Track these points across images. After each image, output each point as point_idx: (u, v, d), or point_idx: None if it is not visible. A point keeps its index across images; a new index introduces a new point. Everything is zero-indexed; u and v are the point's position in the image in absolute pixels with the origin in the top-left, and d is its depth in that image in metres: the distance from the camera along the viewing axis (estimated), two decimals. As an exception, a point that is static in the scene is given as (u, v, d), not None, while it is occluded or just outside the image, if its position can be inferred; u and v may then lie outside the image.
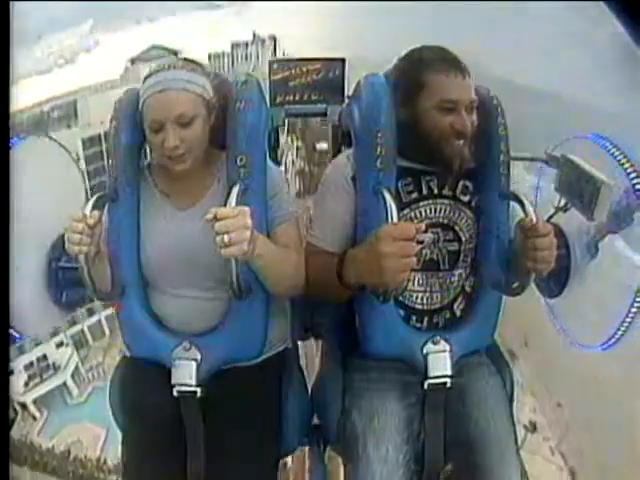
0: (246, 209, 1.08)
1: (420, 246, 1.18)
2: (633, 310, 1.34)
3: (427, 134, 1.27)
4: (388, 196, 1.15)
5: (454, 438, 1.31)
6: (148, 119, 1.22)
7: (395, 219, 1.10)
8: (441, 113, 1.26)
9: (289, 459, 1.51)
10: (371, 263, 1.07)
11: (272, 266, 1.22)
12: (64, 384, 22.64)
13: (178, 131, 1.20)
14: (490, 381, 1.41)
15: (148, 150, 1.36)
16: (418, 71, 1.28)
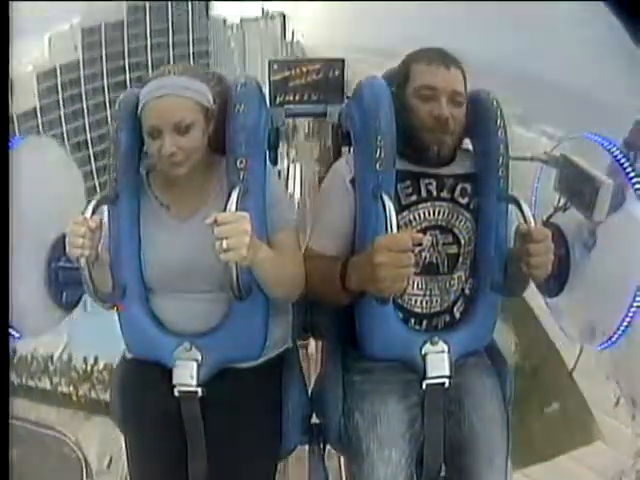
0: (246, 215, 1.09)
1: (419, 248, 1.18)
2: (632, 309, 1.34)
3: (409, 123, 1.30)
4: (387, 200, 1.15)
5: (448, 438, 1.32)
6: (146, 125, 1.22)
7: (394, 225, 1.10)
8: (421, 100, 1.29)
9: (289, 459, 1.51)
10: (369, 272, 1.08)
11: (271, 272, 1.23)
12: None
13: (175, 138, 1.20)
14: (488, 382, 1.41)
15: (147, 157, 1.37)
16: (407, 64, 1.35)
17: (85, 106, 31.70)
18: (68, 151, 1.65)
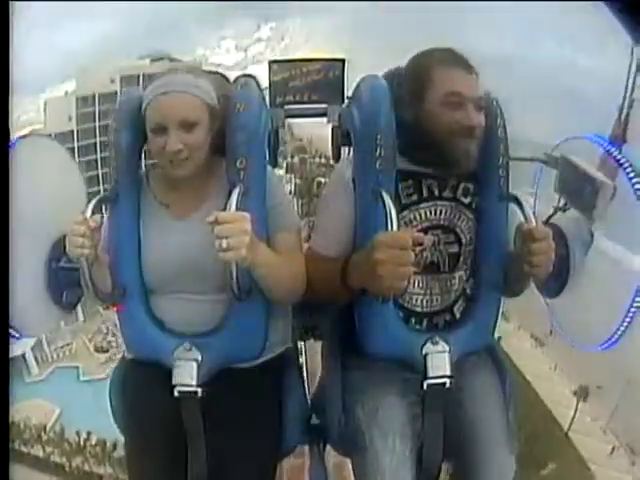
0: (246, 215, 1.09)
1: (420, 248, 1.18)
2: (632, 310, 1.34)
3: (435, 132, 1.26)
4: (387, 198, 1.15)
5: (449, 437, 1.32)
6: (151, 122, 1.22)
7: (394, 223, 1.10)
8: (448, 109, 1.25)
9: (289, 459, 1.51)
10: (369, 270, 1.08)
11: (271, 274, 1.23)
12: (24, 359, 21.96)
13: (181, 135, 1.20)
14: (487, 380, 1.42)
15: (147, 157, 1.36)
16: (425, 68, 1.28)
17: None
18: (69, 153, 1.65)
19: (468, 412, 1.35)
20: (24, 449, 18.55)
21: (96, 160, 31.87)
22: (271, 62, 1.82)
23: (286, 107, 1.80)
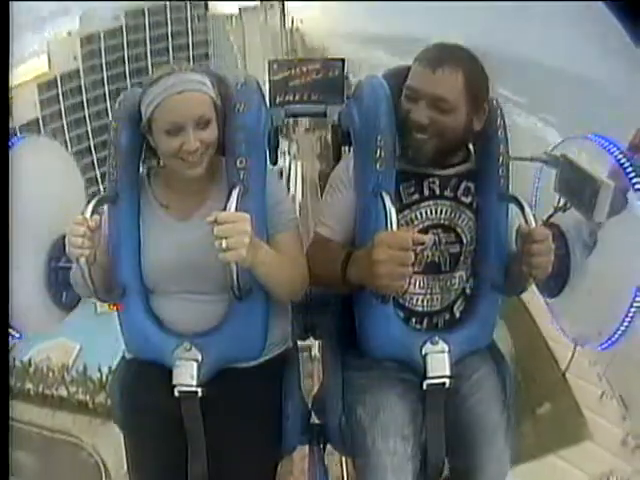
0: (246, 215, 1.09)
1: (421, 247, 1.18)
2: (633, 310, 1.34)
3: (399, 124, 1.29)
4: (387, 199, 1.15)
5: (449, 433, 1.32)
6: (165, 122, 1.20)
7: (394, 223, 1.10)
8: (405, 102, 1.27)
9: (289, 459, 1.51)
10: (368, 267, 1.08)
11: (272, 273, 1.23)
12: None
13: (197, 133, 1.20)
14: (483, 369, 1.42)
15: (147, 157, 1.36)
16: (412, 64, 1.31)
17: (87, 114, 31.73)
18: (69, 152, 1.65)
19: (465, 398, 1.36)
20: (48, 391, 18.61)
21: (104, 94, 31.99)
22: (271, 62, 1.82)
23: (286, 107, 1.80)
